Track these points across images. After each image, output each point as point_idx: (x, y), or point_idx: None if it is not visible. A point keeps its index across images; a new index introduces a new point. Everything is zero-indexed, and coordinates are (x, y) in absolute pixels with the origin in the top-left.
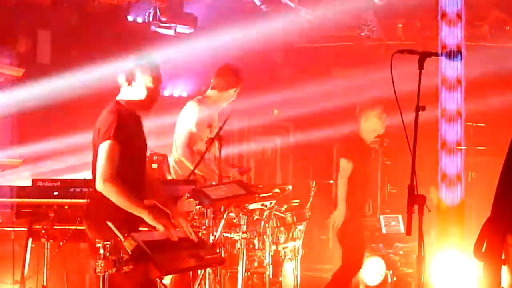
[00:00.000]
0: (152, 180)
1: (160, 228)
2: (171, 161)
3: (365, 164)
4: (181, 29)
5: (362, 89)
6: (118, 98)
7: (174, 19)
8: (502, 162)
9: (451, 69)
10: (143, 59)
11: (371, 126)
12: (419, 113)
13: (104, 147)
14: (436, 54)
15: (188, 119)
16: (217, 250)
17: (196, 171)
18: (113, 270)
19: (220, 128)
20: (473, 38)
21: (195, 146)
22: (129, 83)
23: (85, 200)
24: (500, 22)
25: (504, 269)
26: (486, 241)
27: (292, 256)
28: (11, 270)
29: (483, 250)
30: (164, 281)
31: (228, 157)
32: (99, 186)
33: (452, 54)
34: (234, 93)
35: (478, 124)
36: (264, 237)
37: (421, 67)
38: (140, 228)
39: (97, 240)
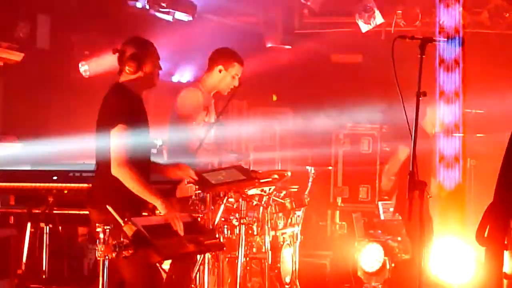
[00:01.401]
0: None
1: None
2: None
3: None
4: (180, 15)
5: (362, 75)
6: (122, 80)
7: (173, 6)
8: (501, 149)
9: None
10: (146, 44)
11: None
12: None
13: (117, 131)
14: (437, 40)
15: (184, 105)
16: (217, 236)
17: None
18: (113, 254)
19: (220, 113)
20: (473, 25)
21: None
22: (137, 71)
23: (84, 185)
24: (499, 9)
25: (507, 254)
26: (488, 227)
27: (290, 242)
28: (11, 254)
29: (486, 235)
30: (163, 266)
31: (227, 142)
32: (115, 170)
33: (452, 39)
34: (231, 79)
35: (477, 111)
36: (263, 222)
37: (422, 52)
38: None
39: (97, 224)
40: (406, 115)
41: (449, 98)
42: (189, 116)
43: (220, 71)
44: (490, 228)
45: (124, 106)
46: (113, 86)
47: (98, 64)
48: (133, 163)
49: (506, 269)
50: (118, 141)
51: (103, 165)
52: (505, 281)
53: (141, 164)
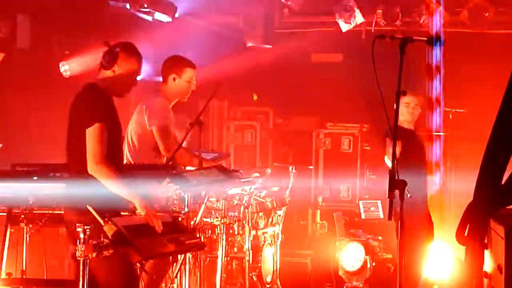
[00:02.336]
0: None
1: (144, 214)
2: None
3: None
4: (159, 16)
5: (342, 75)
6: (96, 80)
7: (153, 6)
8: (481, 148)
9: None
10: (130, 48)
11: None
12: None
13: (94, 130)
14: (417, 40)
15: (157, 114)
16: (197, 235)
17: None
18: (93, 254)
19: (200, 113)
20: (453, 24)
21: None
22: (111, 67)
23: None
24: (479, 8)
25: (487, 253)
26: (468, 225)
27: (271, 241)
28: None
29: (466, 234)
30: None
31: (208, 142)
32: (92, 168)
33: (433, 40)
34: (187, 84)
35: (457, 110)
36: (244, 222)
37: (402, 52)
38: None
39: (77, 224)
40: (386, 114)
41: (431, 102)
42: (168, 125)
43: (174, 79)
44: (470, 227)
45: (100, 104)
46: (86, 86)
47: (78, 64)
48: (111, 162)
49: (487, 268)
50: (96, 140)
51: (76, 165)
52: (485, 280)
53: (114, 165)
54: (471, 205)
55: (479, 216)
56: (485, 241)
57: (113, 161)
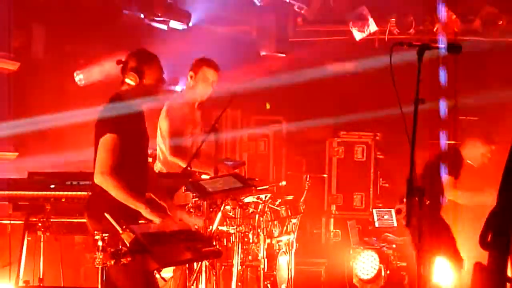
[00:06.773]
0: (150, 173)
1: (156, 221)
2: (157, 163)
3: None
4: (174, 24)
5: (355, 83)
6: (118, 91)
7: (167, 14)
8: (493, 155)
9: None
10: (150, 58)
11: (469, 154)
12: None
13: (104, 140)
14: (436, 47)
15: (168, 118)
16: (214, 243)
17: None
18: (112, 262)
19: (216, 120)
20: (465, 32)
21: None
22: (137, 82)
23: (82, 193)
24: (492, 17)
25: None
26: (492, 231)
27: (286, 249)
28: (8, 263)
29: (489, 240)
30: (165, 274)
31: (221, 150)
32: (97, 178)
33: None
34: (204, 83)
35: (470, 118)
36: (259, 230)
37: (420, 59)
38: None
39: (95, 232)
40: (405, 122)
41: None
42: (177, 128)
43: (191, 77)
44: (494, 233)
45: (113, 115)
46: (110, 97)
47: (93, 73)
48: (120, 172)
49: (509, 273)
50: (104, 150)
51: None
52: (509, 286)
53: (133, 173)
54: (494, 211)
55: (503, 222)
56: (509, 246)
57: (128, 172)
